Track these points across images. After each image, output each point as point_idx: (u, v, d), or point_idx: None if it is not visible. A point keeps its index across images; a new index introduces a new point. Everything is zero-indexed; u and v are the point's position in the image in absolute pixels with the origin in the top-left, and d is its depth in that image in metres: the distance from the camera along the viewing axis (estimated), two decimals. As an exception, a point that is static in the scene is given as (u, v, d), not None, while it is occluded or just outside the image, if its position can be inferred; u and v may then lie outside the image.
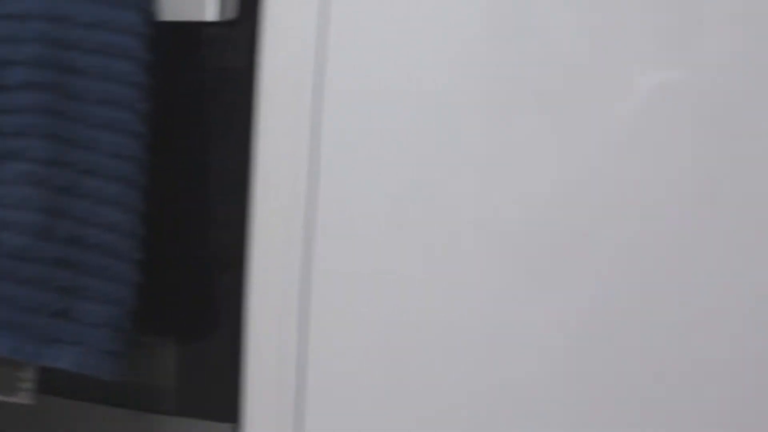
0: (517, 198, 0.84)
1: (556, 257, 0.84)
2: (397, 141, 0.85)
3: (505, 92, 0.83)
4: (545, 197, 0.84)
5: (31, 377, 0.84)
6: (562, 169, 0.82)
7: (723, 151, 0.79)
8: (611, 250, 0.83)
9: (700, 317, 0.81)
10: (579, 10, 0.80)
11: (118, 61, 0.82)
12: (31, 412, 0.94)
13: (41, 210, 0.81)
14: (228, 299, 0.91)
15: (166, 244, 0.92)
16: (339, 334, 0.89)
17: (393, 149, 0.85)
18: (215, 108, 0.88)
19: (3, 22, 0.81)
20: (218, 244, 0.91)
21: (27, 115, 0.80)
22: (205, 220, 0.91)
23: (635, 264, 0.82)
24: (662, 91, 0.79)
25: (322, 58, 0.85)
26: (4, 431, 0.99)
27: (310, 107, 0.86)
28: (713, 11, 0.78)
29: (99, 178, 0.82)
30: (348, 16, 0.84)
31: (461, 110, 0.84)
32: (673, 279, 0.81)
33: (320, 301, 0.89)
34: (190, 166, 0.90)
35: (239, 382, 0.92)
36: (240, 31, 0.86)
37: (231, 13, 0.86)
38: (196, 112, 0.89)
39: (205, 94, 0.88)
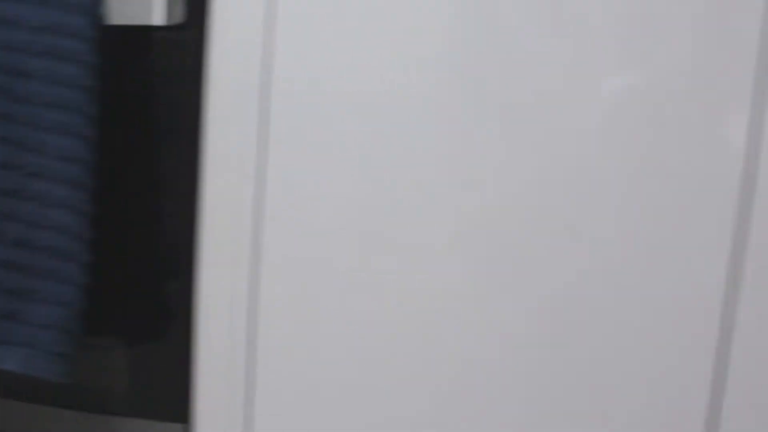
0: (475, 197, 0.85)
1: (513, 256, 0.86)
2: (343, 141, 0.86)
3: (466, 92, 0.84)
4: (500, 197, 0.85)
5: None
6: (523, 170, 0.84)
7: (683, 152, 0.81)
8: (574, 251, 0.84)
9: (668, 316, 0.84)
10: (543, 12, 0.82)
11: (67, 64, 0.82)
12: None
13: (-12, 213, 0.81)
14: (178, 301, 0.92)
15: (116, 246, 0.92)
16: (287, 335, 0.90)
17: (340, 149, 0.86)
18: (164, 111, 0.89)
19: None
20: (168, 246, 0.92)
21: (-26, 118, 0.81)
22: (154, 222, 0.91)
23: (602, 264, 0.84)
24: (625, 94, 0.81)
25: (269, 61, 0.86)
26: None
27: (258, 109, 0.87)
28: (672, 17, 0.80)
29: (47, 180, 0.83)
30: (295, 18, 0.85)
31: (411, 110, 0.85)
32: (639, 278, 0.83)
33: (269, 303, 0.90)
34: (139, 169, 0.90)
35: (190, 382, 0.93)
36: (188, 35, 0.87)
37: (178, 18, 0.86)
38: (144, 116, 0.89)
39: (153, 98, 0.89)
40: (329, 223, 0.88)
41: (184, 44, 0.87)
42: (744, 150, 0.80)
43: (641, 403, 0.85)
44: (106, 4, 0.84)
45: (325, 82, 0.85)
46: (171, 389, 0.94)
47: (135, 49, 0.88)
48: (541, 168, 0.83)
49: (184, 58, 0.87)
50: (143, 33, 0.87)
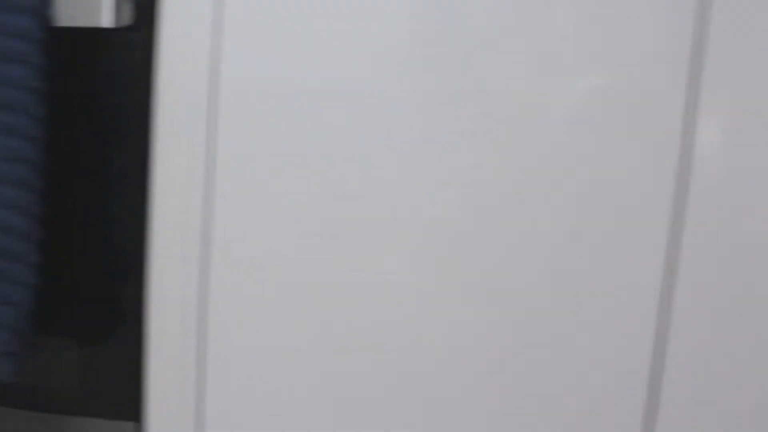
0: (433, 195, 0.87)
1: (475, 255, 0.87)
2: (293, 139, 0.87)
3: (427, 88, 0.85)
4: (461, 197, 0.86)
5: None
6: (487, 169, 0.85)
7: (647, 152, 0.83)
8: (534, 251, 0.86)
9: (623, 325, 0.85)
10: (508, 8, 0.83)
11: (13, 65, 0.83)
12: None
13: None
14: (129, 300, 0.93)
15: (66, 246, 0.92)
16: (238, 334, 0.91)
17: (290, 148, 0.87)
18: (113, 113, 0.89)
19: None
20: (118, 246, 0.92)
21: None
22: (105, 222, 0.92)
23: (563, 273, 0.86)
24: (591, 94, 0.83)
25: (218, 61, 0.86)
26: None
27: (206, 110, 0.87)
28: (632, 17, 0.81)
29: (-5, 181, 0.83)
30: (243, 17, 0.86)
31: (366, 110, 0.86)
32: (597, 287, 0.85)
33: (219, 302, 0.91)
34: (89, 170, 0.91)
35: (141, 381, 0.93)
36: (136, 37, 0.87)
37: (127, 20, 0.87)
38: (93, 117, 0.89)
39: (102, 100, 0.89)
40: (281, 223, 0.89)
41: (132, 46, 0.88)
42: (678, 160, 0.82)
43: (583, 403, 0.87)
44: (54, 6, 0.84)
45: (274, 82, 0.86)
46: (123, 388, 0.94)
47: (83, 50, 0.88)
48: (505, 168, 0.84)
49: (133, 60, 0.88)
50: (92, 35, 0.87)
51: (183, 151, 0.88)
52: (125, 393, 0.94)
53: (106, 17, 0.85)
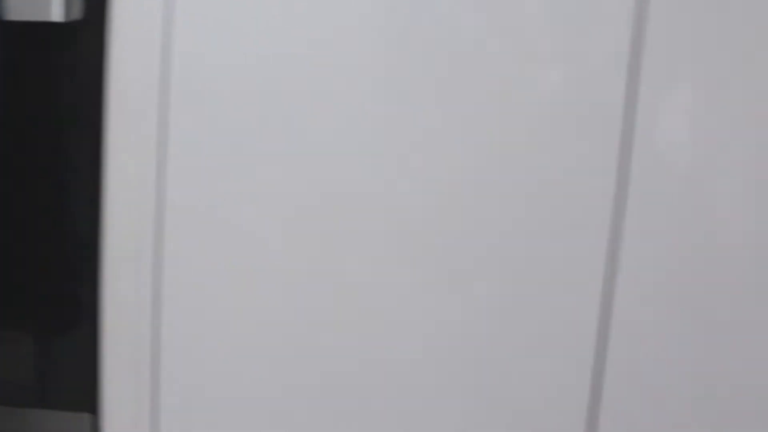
0: (390, 193, 0.88)
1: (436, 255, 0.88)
2: (246, 133, 0.88)
3: (387, 80, 0.86)
4: (422, 195, 0.88)
5: None
6: (450, 164, 0.86)
7: (588, 152, 0.84)
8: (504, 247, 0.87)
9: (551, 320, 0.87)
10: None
11: (-37, 61, 0.83)
12: None
13: None
14: (85, 293, 0.93)
15: (21, 240, 0.93)
16: (192, 326, 0.92)
17: (243, 142, 0.88)
18: (64, 108, 0.89)
19: None
20: (74, 240, 0.92)
21: None
22: (59, 216, 0.92)
23: (508, 267, 0.87)
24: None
25: (169, 55, 0.87)
26: None
27: (158, 103, 0.88)
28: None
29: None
30: (194, 11, 0.86)
31: (321, 106, 0.86)
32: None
33: (173, 295, 0.91)
34: (42, 164, 0.91)
35: (97, 373, 0.94)
36: (87, 31, 0.87)
37: (77, 14, 0.87)
38: (44, 112, 0.89)
39: (52, 95, 0.89)
40: (235, 217, 0.89)
41: (83, 40, 0.88)
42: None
43: (528, 404, 0.89)
44: (3, 1, 0.84)
45: (227, 74, 0.87)
46: (79, 380, 0.95)
47: (33, 45, 0.88)
48: (479, 162, 0.85)
49: (84, 54, 0.88)
50: (42, 29, 0.87)
51: (135, 145, 0.89)
52: (81, 385, 0.95)
53: (56, 11, 0.85)
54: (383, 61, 0.85)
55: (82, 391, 0.95)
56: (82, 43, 0.88)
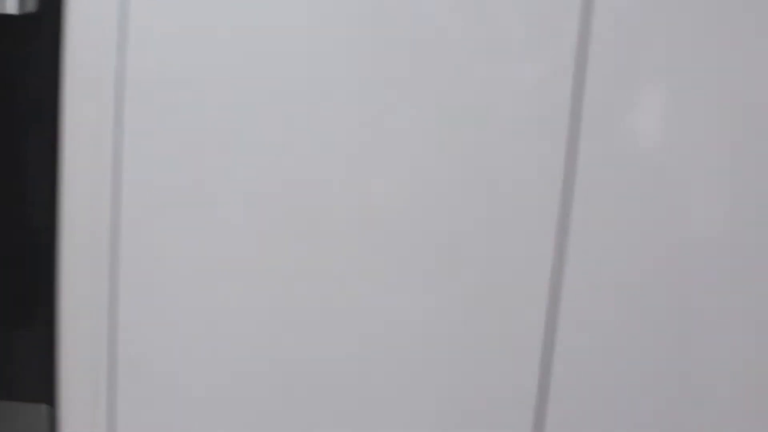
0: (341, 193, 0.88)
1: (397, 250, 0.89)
2: (200, 128, 0.88)
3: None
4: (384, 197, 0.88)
5: None
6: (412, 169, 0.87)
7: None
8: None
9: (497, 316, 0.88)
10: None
11: None
12: None
13: None
14: (42, 285, 0.93)
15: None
16: (148, 319, 0.92)
17: (198, 136, 0.88)
18: (19, 101, 0.89)
19: None
20: (31, 232, 0.92)
21: None
22: (16, 209, 0.92)
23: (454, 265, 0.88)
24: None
25: (124, 49, 0.87)
26: None
27: (114, 97, 0.88)
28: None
29: None
30: (149, 4, 0.86)
31: (280, 104, 0.87)
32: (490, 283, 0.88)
33: (130, 288, 0.91)
34: (-2, 156, 0.91)
35: (55, 364, 0.94)
36: (42, 24, 0.87)
37: (32, 6, 0.86)
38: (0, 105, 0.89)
39: (7, 88, 0.89)
40: (191, 211, 0.89)
41: (38, 33, 0.87)
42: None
43: (476, 402, 0.90)
44: (-43, -8, 0.84)
45: (182, 66, 0.87)
46: (36, 371, 0.95)
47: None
48: (446, 158, 0.86)
49: (39, 47, 0.88)
50: (-4, 21, 0.87)
51: (91, 138, 0.89)
52: (39, 376, 0.95)
53: (10, 3, 0.85)
54: (345, 57, 0.85)
55: (40, 382, 0.95)
56: (36, 36, 0.88)
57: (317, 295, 0.89)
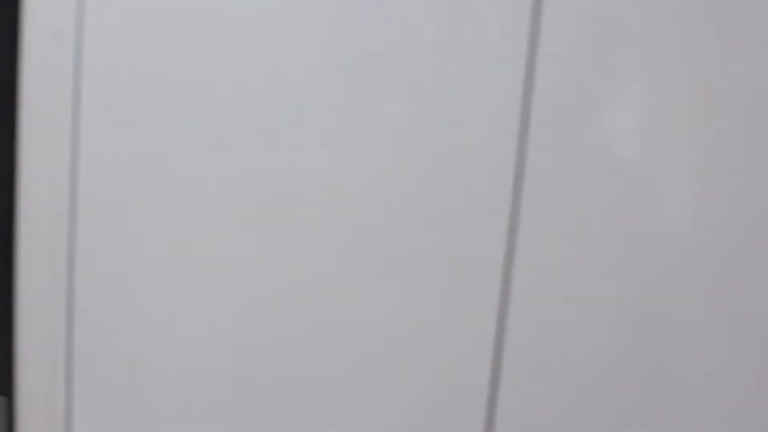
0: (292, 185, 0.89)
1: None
2: (161, 121, 0.88)
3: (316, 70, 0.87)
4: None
5: None
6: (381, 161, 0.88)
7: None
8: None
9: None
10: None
11: None
12: None
13: None
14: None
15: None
16: (104, 312, 0.92)
17: (158, 127, 0.88)
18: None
19: None
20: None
21: None
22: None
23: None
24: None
25: (81, 41, 0.86)
26: None
27: (72, 96, 0.88)
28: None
29: None
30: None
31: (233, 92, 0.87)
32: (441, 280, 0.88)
33: (86, 279, 0.92)
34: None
35: (11, 356, 0.94)
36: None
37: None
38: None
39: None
40: (148, 208, 0.90)
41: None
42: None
43: (426, 402, 0.91)
44: None
45: (140, 58, 0.87)
46: (-6, 364, 0.96)
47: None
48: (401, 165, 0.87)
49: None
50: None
51: (49, 142, 0.89)
52: (-4, 368, 0.96)
53: (-34, -2, 0.85)
54: (305, 44, 0.86)
55: (-3, 374, 0.96)
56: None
57: (270, 289, 0.90)
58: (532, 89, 0.84)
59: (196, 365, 0.92)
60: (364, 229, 0.88)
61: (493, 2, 0.83)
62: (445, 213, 0.87)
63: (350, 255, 0.89)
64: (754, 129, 0.84)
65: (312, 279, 0.89)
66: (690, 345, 0.88)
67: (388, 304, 0.89)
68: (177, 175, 0.89)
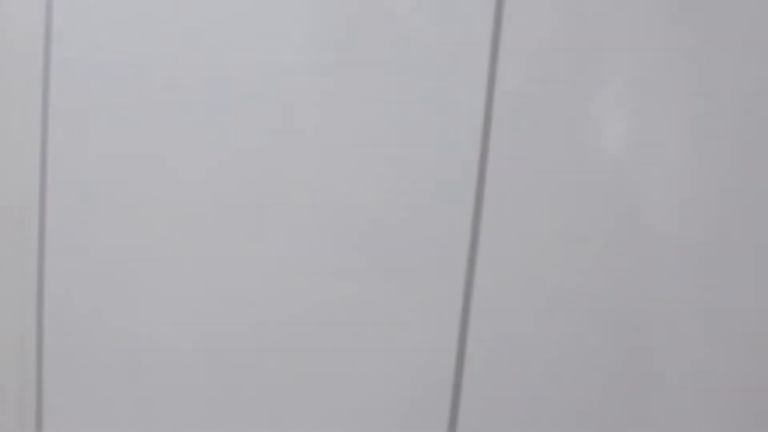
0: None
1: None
2: (134, 116, 0.88)
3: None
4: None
5: None
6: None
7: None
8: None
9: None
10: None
11: None
12: None
13: None
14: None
15: None
16: (75, 318, 0.93)
17: (125, 118, 0.88)
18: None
19: None
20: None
21: None
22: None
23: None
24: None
25: (49, 41, 0.87)
26: None
27: (41, 95, 0.88)
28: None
29: None
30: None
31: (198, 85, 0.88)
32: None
33: (55, 281, 0.92)
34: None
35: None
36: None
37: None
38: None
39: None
40: (117, 207, 0.90)
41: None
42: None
43: (390, 400, 0.90)
44: None
45: (111, 51, 0.87)
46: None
47: None
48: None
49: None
50: None
51: (18, 141, 0.89)
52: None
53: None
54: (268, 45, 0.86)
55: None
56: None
57: (235, 282, 0.90)
58: (494, 88, 0.84)
59: (170, 360, 0.92)
60: (329, 225, 0.88)
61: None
62: (408, 210, 0.87)
63: (316, 250, 0.88)
64: (727, 122, 0.83)
65: (285, 273, 0.89)
66: (662, 341, 0.87)
67: (353, 300, 0.89)
68: (152, 167, 0.89)
